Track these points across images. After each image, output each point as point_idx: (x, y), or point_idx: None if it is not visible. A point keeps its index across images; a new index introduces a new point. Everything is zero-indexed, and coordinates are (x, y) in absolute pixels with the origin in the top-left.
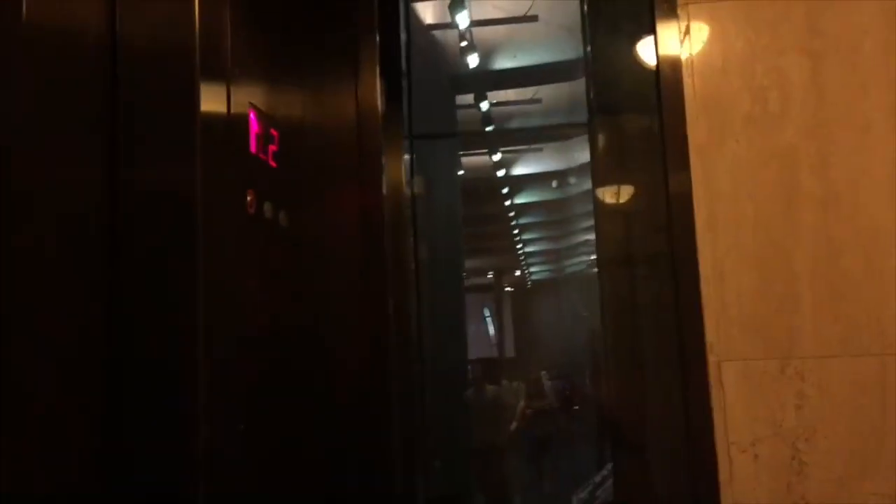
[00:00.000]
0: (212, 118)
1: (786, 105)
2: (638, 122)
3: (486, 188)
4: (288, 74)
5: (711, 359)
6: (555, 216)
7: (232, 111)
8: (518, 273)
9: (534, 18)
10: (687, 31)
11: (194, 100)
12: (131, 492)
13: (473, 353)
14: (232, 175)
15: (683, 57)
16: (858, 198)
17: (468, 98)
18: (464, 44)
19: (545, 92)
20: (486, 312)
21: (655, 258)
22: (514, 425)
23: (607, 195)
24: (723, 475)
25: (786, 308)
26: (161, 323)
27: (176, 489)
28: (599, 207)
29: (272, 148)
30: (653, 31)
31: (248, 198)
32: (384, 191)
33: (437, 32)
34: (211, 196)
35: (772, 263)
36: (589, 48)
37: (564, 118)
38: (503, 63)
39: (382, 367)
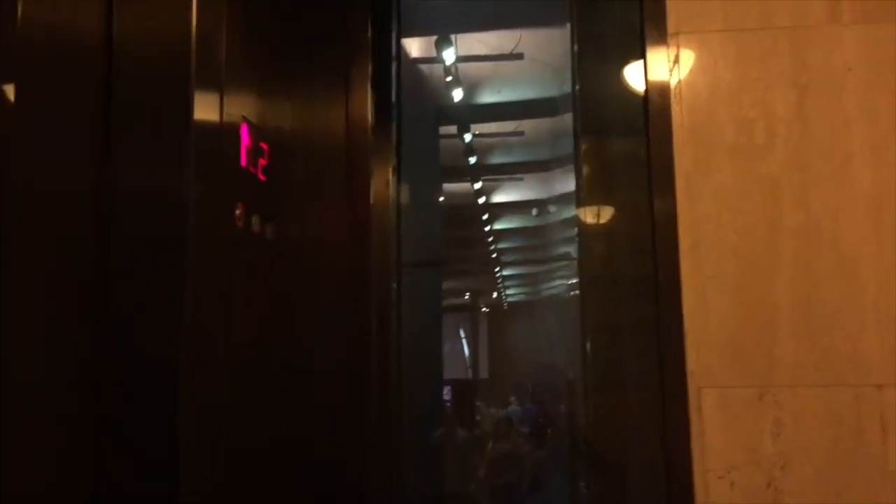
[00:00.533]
0: (204, 128)
1: (771, 137)
2: (624, 146)
3: (466, 214)
4: (279, 87)
5: (691, 385)
6: (533, 242)
7: (224, 122)
8: (495, 295)
9: (519, 56)
10: (676, 60)
11: (188, 109)
12: (111, 494)
13: (448, 373)
14: (222, 187)
15: (672, 84)
16: (838, 229)
17: (452, 128)
18: (449, 79)
19: (528, 123)
20: (462, 333)
21: (638, 282)
22: (482, 472)
23: (590, 216)
24: (699, 502)
25: (765, 336)
26: (147, 330)
27: (156, 494)
28: (583, 229)
29: (262, 162)
30: (643, 57)
31: (238, 211)
32: (371, 202)
33: (423, 65)
34: (201, 206)
35: (753, 292)
36: (576, 70)
37: (547, 149)
38: (488, 97)
39: (365, 382)
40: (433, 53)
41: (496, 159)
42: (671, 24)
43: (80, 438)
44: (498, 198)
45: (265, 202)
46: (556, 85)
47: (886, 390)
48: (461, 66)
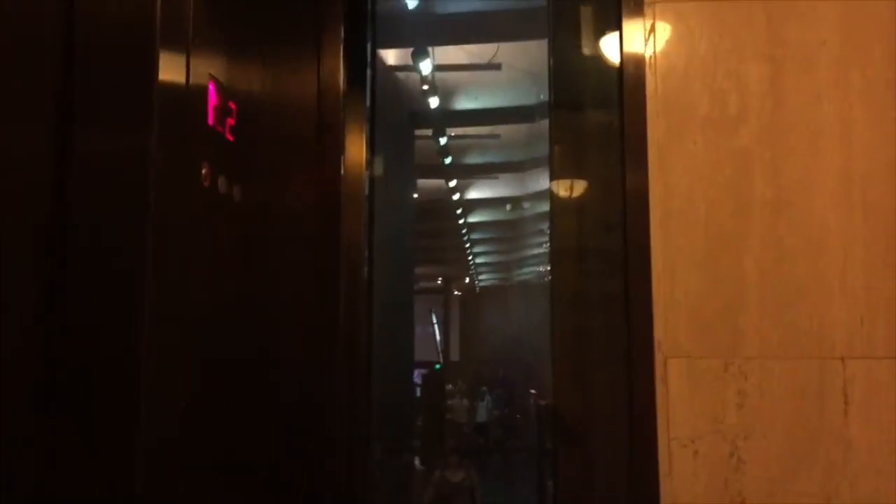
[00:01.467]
0: (170, 87)
1: (743, 109)
2: (598, 118)
3: (441, 208)
4: (250, 48)
5: (658, 355)
6: (506, 233)
7: (191, 81)
8: (467, 280)
9: (497, 66)
10: (652, 30)
11: (153, 68)
12: (66, 484)
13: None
14: (188, 146)
15: (647, 55)
16: (808, 204)
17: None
18: (425, 87)
19: (504, 126)
20: (434, 318)
21: (609, 254)
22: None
23: (562, 189)
24: (663, 470)
25: (732, 309)
26: (106, 294)
27: (114, 482)
28: (555, 202)
29: (230, 121)
30: (618, 28)
31: (203, 170)
32: (343, 171)
33: (399, 73)
34: (165, 166)
35: (721, 264)
36: (551, 40)
37: (523, 151)
38: (464, 104)
39: (332, 350)
40: (409, 61)
41: (471, 160)
42: None
43: (29, 412)
44: (473, 194)
45: (233, 163)
46: (533, 92)
47: (850, 363)
48: (438, 73)
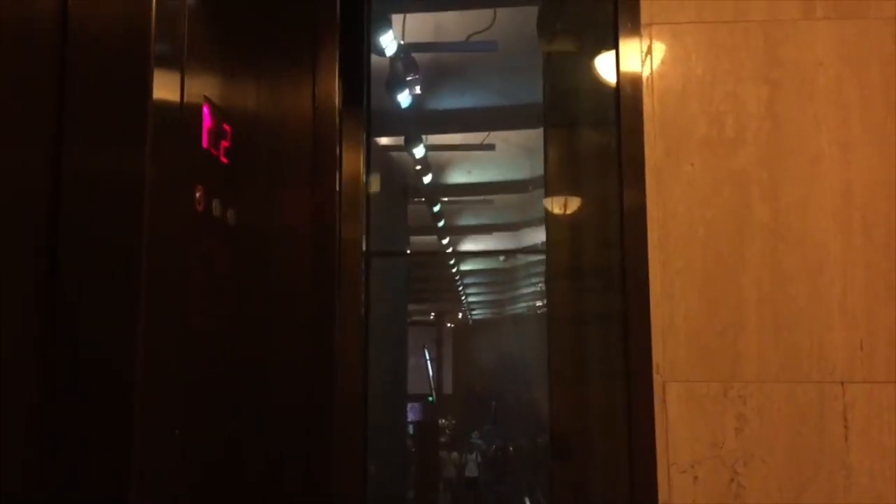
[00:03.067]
0: (164, 108)
1: (741, 131)
2: (593, 137)
3: (433, 261)
4: (245, 67)
5: (656, 379)
6: (500, 279)
7: (185, 102)
8: (460, 315)
9: (491, 147)
10: (649, 51)
11: (147, 88)
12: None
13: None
14: (182, 169)
15: (644, 76)
16: (807, 226)
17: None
18: (419, 167)
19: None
20: (427, 355)
21: (605, 274)
22: None
23: (557, 207)
24: (662, 496)
25: (731, 332)
26: (100, 317)
27: (108, 497)
28: (550, 220)
29: (224, 144)
30: (615, 48)
31: (198, 194)
32: (340, 189)
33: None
34: (159, 188)
35: (720, 287)
36: (546, 61)
37: (517, 212)
38: (457, 178)
39: (329, 373)
40: (402, 142)
41: (465, 221)
42: (644, 14)
43: (24, 432)
44: (466, 246)
45: (227, 186)
46: (527, 166)
47: (850, 387)
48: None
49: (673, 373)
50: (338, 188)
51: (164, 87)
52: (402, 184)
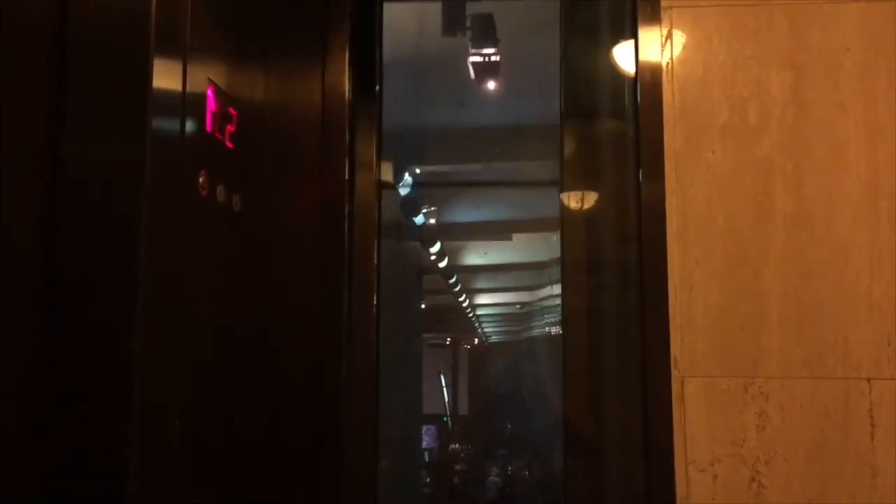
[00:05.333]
0: (165, 94)
1: (764, 118)
2: (610, 128)
3: (448, 313)
4: (252, 53)
5: (675, 374)
6: (515, 324)
7: (188, 87)
8: (476, 341)
9: (508, 238)
10: (669, 37)
11: (147, 72)
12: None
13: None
14: (184, 154)
15: (664, 63)
16: (832, 217)
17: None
18: (433, 257)
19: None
20: (442, 380)
21: (622, 267)
22: None
23: (573, 201)
24: (680, 494)
25: (752, 326)
26: (98, 307)
27: (107, 489)
28: (565, 214)
29: (229, 128)
30: (634, 33)
31: (201, 178)
32: (350, 181)
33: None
34: (159, 174)
35: (741, 279)
36: (563, 48)
37: (535, 277)
38: (473, 259)
39: (336, 370)
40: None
41: (480, 284)
42: None
43: (24, 424)
44: (481, 299)
45: (232, 171)
46: (545, 249)
47: (876, 384)
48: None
49: (692, 367)
50: (347, 176)
51: (166, 73)
52: (416, 268)
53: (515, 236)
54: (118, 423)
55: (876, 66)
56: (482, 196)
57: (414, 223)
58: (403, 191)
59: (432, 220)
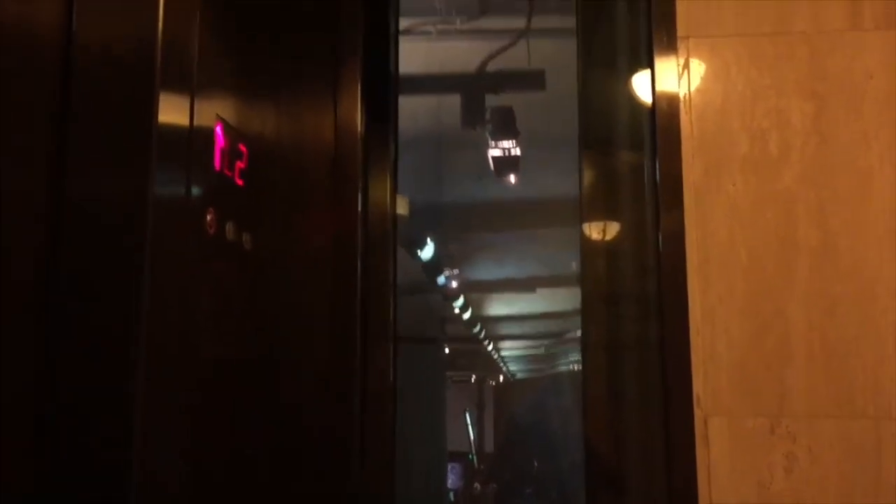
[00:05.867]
0: (171, 130)
1: (785, 149)
2: (629, 158)
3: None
4: (263, 88)
5: (698, 412)
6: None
7: (196, 123)
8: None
9: (532, 290)
10: (686, 66)
11: (152, 109)
12: None
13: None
14: (191, 191)
15: (681, 94)
16: (857, 250)
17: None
18: (457, 311)
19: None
20: (467, 418)
21: (642, 301)
22: None
23: (594, 232)
24: None
25: (778, 362)
26: (99, 347)
27: None
28: (585, 246)
29: (239, 165)
30: (650, 64)
31: (209, 216)
32: (364, 216)
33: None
34: (164, 212)
35: (765, 314)
36: (580, 80)
37: (559, 323)
38: (497, 310)
39: (349, 416)
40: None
41: (503, 331)
42: (681, 27)
43: (20, 465)
44: (505, 344)
45: (242, 209)
46: (568, 299)
47: None
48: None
49: (715, 406)
50: (360, 210)
51: (173, 109)
52: (439, 318)
53: (539, 288)
54: (119, 474)
55: None
56: (505, 252)
57: (436, 284)
58: (426, 254)
59: (454, 283)
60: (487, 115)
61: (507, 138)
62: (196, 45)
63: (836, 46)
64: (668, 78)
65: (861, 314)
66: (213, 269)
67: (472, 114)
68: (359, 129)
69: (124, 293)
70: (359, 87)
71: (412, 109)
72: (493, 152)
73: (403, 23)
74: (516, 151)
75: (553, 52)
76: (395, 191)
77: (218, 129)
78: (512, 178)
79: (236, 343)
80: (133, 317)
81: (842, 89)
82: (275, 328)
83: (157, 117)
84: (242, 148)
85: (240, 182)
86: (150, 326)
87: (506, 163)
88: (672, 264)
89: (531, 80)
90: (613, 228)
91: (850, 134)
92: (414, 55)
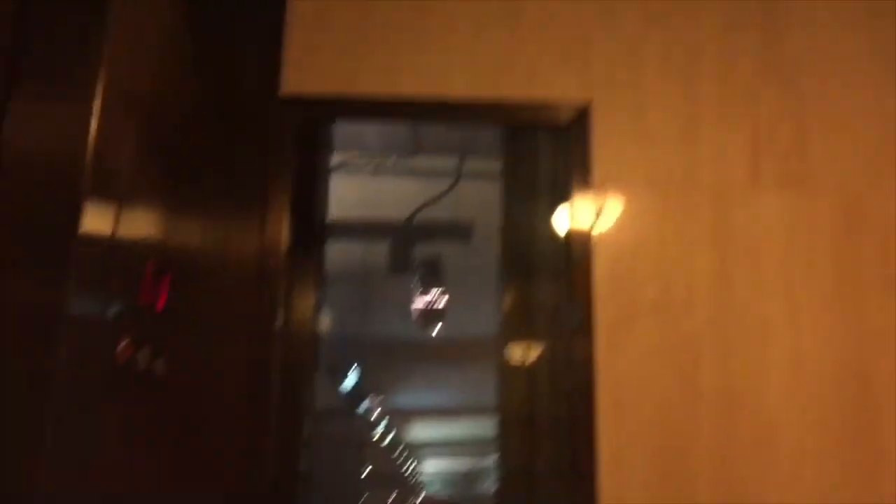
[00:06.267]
0: (92, 243)
1: (690, 295)
2: (548, 293)
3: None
4: (189, 205)
5: None
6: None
7: (120, 239)
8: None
9: (454, 414)
10: (600, 211)
11: (76, 221)
12: None
13: None
14: (105, 318)
15: (595, 235)
16: (758, 394)
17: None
18: (375, 438)
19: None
20: None
21: (555, 433)
22: None
23: (512, 358)
24: None
25: None
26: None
27: None
28: (503, 370)
29: (162, 291)
30: (567, 206)
31: (122, 345)
32: (284, 335)
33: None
34: (74, 341)
35: (671, 457)
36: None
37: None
38: (419, 434)
39: None
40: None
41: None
42: (597, 174)
43: None
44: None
45: (159, 334)
46: (490, 426)
47: None
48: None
49: None
50: (280, 329)
51: (95, 221)
52: (357, 442)
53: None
54: None
55: (794, 248)
56: (430, 376)
57: (356, 413)
58: (349, 383)
59: (378, 410)
60: (415, 264)
61: (434, 286)
62: (123, 160)
63: (738, 200)
64: (583, 221)
65: (763, 460)
66: (120, 400)
67: (400, 262)
68: (284, 248)
69: (22, 432)
70: (287, 207)
71: (342, 246)
72: (417, 305)
73: (338, 156)
74: (441, 304)
75: (481, 192)
76: (319, 309)
77: (143, 253)
78: (434, 332)
79: (142, 475)
80: (33, 456)
81: (743, 241)
82: (185, 455)
83: (78, 230)
84: (166, 274)
85: (159, 307)
86: (51, 464)
87: (429, 316)
88: (582, 409)
89: (459, 232)
90: (531, 355)
91: (750, 284)
92: (347, 188)
